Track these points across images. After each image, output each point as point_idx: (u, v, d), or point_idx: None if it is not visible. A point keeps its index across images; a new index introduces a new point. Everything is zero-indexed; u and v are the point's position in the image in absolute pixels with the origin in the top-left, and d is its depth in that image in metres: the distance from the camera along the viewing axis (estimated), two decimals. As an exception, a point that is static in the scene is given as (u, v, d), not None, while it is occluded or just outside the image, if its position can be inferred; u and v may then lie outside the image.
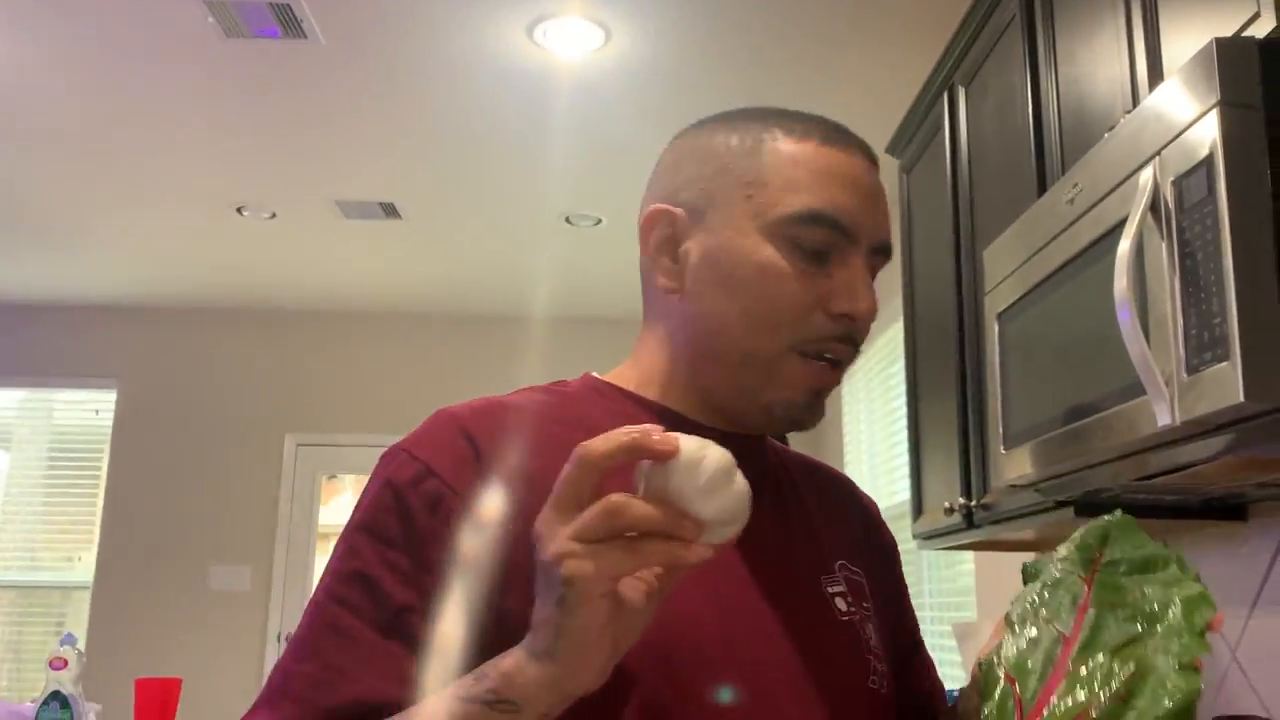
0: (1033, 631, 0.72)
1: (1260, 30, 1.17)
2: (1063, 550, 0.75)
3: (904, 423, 2.65)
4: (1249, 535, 1.66)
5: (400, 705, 0.67)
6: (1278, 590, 1.60)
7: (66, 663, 2.42)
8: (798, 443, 1.07)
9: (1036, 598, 0.74)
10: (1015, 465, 1.57)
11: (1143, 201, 1.18)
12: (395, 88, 3.17)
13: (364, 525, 0.75)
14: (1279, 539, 1.59)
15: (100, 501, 5.32)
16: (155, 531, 5.21)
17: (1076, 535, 0.75)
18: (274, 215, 4.22)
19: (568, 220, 4.20)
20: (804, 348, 0.78)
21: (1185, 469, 1.31)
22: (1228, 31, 1.22)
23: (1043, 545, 2.34)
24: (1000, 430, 1.62)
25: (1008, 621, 0.75)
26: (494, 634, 0.68)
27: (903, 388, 2.69)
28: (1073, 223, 1.39)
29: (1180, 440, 1.19)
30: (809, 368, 0.79)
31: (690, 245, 0.81)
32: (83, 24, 2.86)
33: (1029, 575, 0.78)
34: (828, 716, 0.75)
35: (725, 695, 0.72)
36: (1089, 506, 1.60)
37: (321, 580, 0.75)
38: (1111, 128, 1.37)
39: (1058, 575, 0.74)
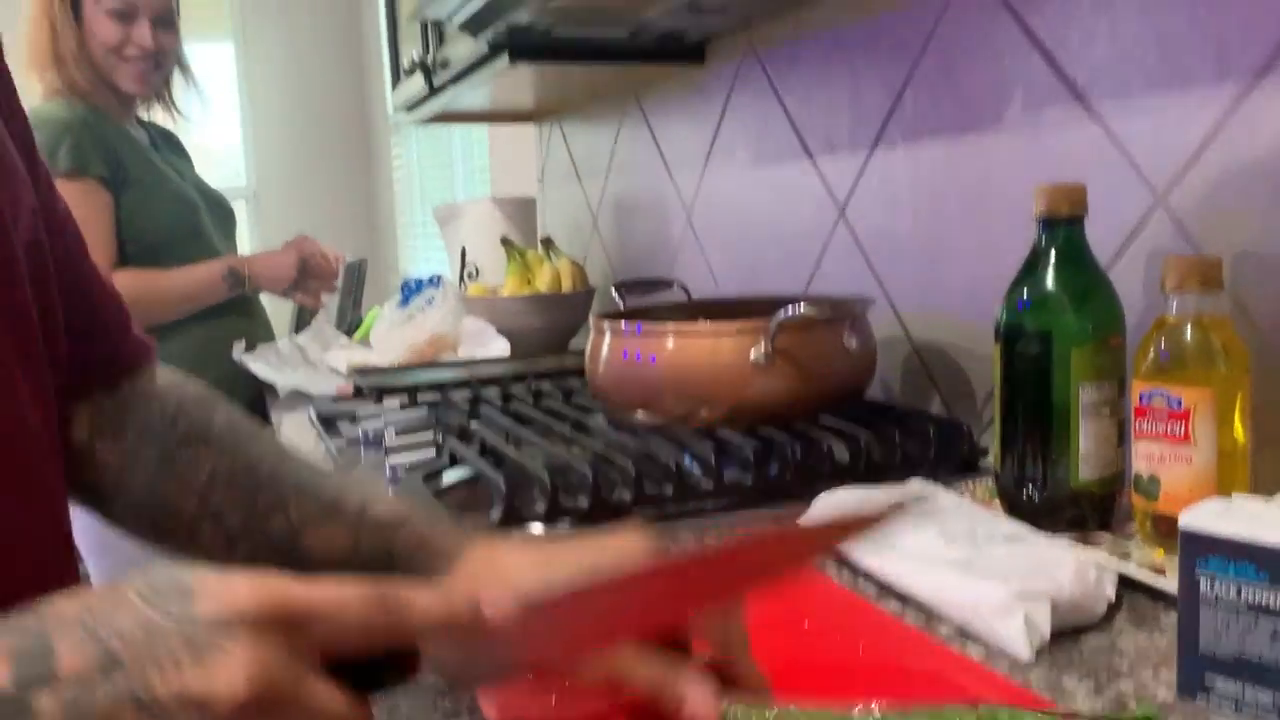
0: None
1: None
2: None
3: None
4: (706, 80, 1.58)
5: None
6: (730, 138, 1.54)
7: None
8: None
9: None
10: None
11: None
12: None
13: None
14: (731, 80, 1.51)
15: None
16: None
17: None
18: None
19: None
20: None
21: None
22: None
23: (498, 117, 2.36)
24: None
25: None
26: None
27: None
28: None
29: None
30: None
31: None
32: None
33: None
34: None
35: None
36: (524, 50, 1.45)
37: None
38: None
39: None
